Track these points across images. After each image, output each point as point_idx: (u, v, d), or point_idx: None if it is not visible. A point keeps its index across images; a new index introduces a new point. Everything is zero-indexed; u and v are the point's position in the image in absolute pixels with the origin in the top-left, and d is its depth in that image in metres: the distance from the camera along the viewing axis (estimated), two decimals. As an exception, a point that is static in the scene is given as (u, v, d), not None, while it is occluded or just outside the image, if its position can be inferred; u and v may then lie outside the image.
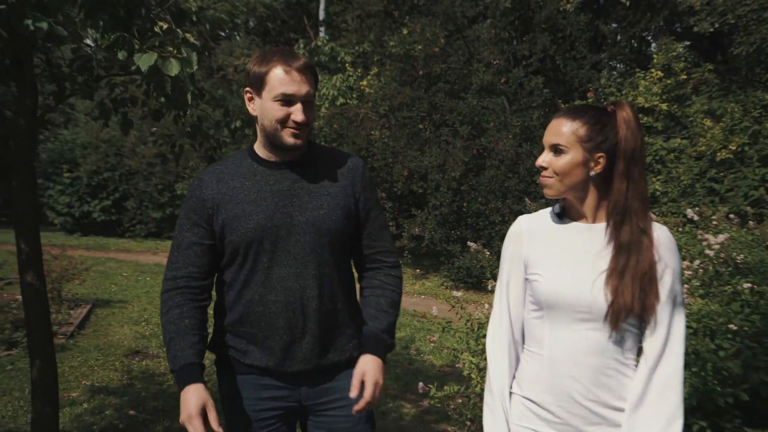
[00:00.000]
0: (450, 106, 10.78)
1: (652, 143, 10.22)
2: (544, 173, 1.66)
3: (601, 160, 1.60)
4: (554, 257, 1.67)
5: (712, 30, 10.41)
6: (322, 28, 15.75)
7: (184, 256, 1.84)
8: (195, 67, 2.16)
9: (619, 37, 14.14)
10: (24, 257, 2.97)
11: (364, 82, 12.21)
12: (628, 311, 1.55)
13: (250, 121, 3.45)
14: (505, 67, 11.21)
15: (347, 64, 12.57)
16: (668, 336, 1.58)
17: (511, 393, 1.74)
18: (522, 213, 9.80)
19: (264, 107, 1.78)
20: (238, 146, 12.56)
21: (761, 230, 4.06)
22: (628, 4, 12.93)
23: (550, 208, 1.77)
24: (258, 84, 1.78)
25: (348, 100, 11.88)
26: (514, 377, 1.75)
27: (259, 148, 1.88)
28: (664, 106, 10.65)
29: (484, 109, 10.62)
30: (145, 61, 2.05)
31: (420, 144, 10.82)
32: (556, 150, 1.62)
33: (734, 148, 8.88)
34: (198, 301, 1.84)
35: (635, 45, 15.62)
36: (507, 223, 9.51)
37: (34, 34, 2.04)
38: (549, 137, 1.65)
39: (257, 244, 1.79)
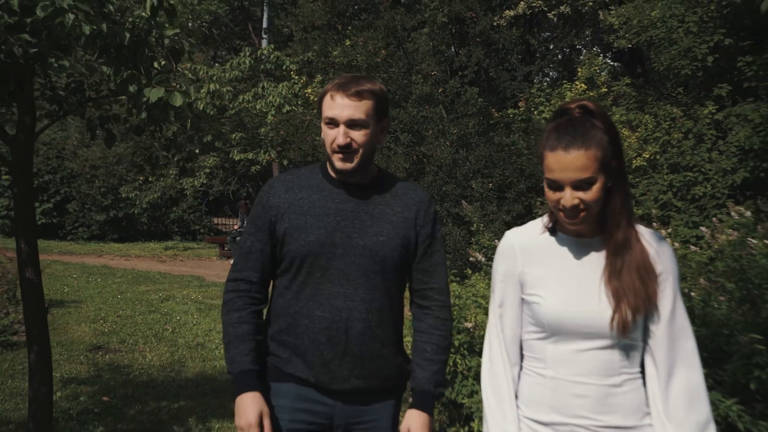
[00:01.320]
0: (391, 114, 11.40)
1: (576, 150, 11.10)
2: (572, 212, 1.53)
3: (613, 167, 1.54)
4: (554, 277, 1.60)
5: (630, 46, 11.38)
6: (265, 37, 16.14)
7: (246, 260, 1.90)
8: (192, 98, 2.66)
9: (550, 48, 15.08)
10: (24, 255, 3.40)
11: (309, 90, 12.72)
12: (634, 310, 1.51)
13: (220, 135, 3.94)
14: (442, 78, 11.91)
15: (292, 72, 13.06)
16: (677, 342, 1.55)
17: None
18: (460, 216, 10.51)
19: (322, 130, 1.85)
20: (207, 157, 12.90)
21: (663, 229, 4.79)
22: (555, 19, 13.84)
23: (538, 221, 1.71)
24: (319, 109, 1.85)
25: (294, 107, 12.36)
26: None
27: (329, 166, 1.91)
28: (587, 116, 11.54)
29: (424, 117, 11.29)
30: (154, 94, 2.54)
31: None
32: (586, 183, 1.50)
33: (647, 156, 9.79)
34: (256, 305, 1.90)
35: (564, 57, 16.62)
36: (444, 225, 10.18)
37: (57, 69, 2.51)
38: (571, 174, 1.50)
39: (313, 258, 1.83)
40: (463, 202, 9.54)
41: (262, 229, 1.88)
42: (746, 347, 2.72)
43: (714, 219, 6.18)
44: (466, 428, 3.63)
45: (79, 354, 6.03)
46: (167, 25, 2.68)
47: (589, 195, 1.50)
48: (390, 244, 1.84)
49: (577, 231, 1.60)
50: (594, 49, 15.33)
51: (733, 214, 4.50)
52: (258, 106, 12.08)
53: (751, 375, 2.66)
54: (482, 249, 6.04)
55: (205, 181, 15.19)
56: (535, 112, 12.30)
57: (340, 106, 1.77)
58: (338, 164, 1.81)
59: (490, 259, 5.53)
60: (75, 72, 2.53)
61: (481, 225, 7.53)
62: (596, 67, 11.68)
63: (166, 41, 2.74)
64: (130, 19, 2.58)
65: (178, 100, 2.59)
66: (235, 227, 13.98)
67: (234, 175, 16.50)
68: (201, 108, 2.94)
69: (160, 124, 3.54)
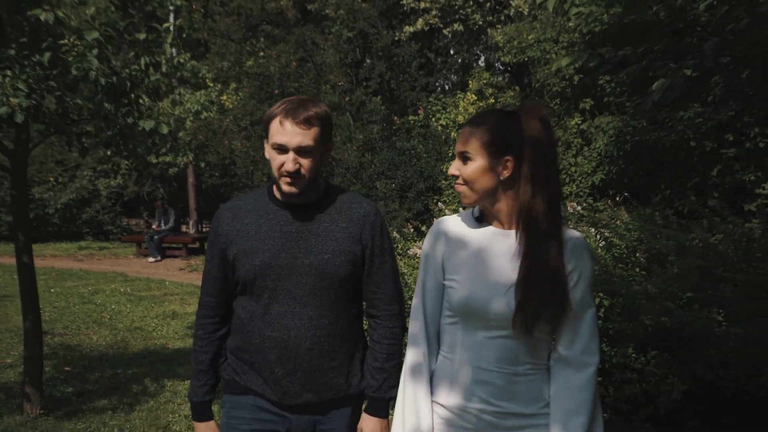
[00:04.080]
0: (302, 121, 12.48)
1: (467, 155, 12.56)
2: (457, 182, 1.65)
3: (508, 164, 1.59)
4: (469, 264, 1.65)
5: (514, 61, 12.97)
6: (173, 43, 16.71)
7: (206, 286, 2.02)
8: (172, 126, 3.69)
9: (447, 60, 16.59)
10: (21, 244, 4.31)
11: (224, 97, 13.59)
12: (536, 318, 1.54)
13: (178, 146, 4.92)
14: (349, 88, 13.10)
15: (207, 80, 13.87)
16: (579, 342, 1.60)
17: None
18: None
19: (269, 154, 1.89)
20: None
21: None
22: (450, 36, 15.33)
23: (469, 211, 1.75)
24: (266, 131, 1.88)
25: (210, 114, 13.19)
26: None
27: (275, 189, 1.96)
28: (477, 124, 13.05)
29: (333, 124, 12.45)
30: (147, 124, 3.56)
31: (277, 154, 12.45)
32: (464, 158, 1.61)
33: (526, 160, 11.36)
34: (217, 331, 2.03)
35: (462, 65, 18.21)
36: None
37: (72, 107, 3.50)
38: (457, 146, 1.63)
39: (260, 280, 1.88)
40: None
41: (215, 256, 1.97)
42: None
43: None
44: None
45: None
46: (153, 72, 3.71)
47: (467, 170, 1.62)
48: (335, 261, 1.88)
49: (494, 219, 1.68)
50: (482, 61, 16.99)
51: (569, 209, 5.92)
52: (177, 112, 12.84)
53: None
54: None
55: (120, 182, 15.67)
56: (433, 119, 13.70)
57: (289, 133, 1.80)
58: (285, 188, 1.86)
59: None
60: (84, 108, 3.52)
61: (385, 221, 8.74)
62: (484, 81, 13.21)
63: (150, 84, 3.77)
64: (126, 71, 3.59)
65: (164, 129, 3.63)
66: (153, 227, 14.58)
67: (148, 176, 17.01)
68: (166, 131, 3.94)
69: (126, 139, 4.53)
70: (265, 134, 1.90)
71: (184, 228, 17.21)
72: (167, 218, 14.34)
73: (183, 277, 11.82)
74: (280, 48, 12.49)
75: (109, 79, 3.33)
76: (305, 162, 1.83)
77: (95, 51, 3.31)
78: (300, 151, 1.81)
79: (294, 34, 12.62)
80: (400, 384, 1.75)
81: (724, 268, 4.65)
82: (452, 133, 13.01)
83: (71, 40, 3.23)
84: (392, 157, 12.12)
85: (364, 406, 2.01)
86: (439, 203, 10.39)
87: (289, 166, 1.81)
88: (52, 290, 9.72)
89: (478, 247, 1.65)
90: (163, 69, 3.74)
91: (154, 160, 13.27)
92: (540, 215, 1.56)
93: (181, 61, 4.46)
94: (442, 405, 1.69)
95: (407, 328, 1.91)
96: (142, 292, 9.77)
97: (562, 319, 1.59)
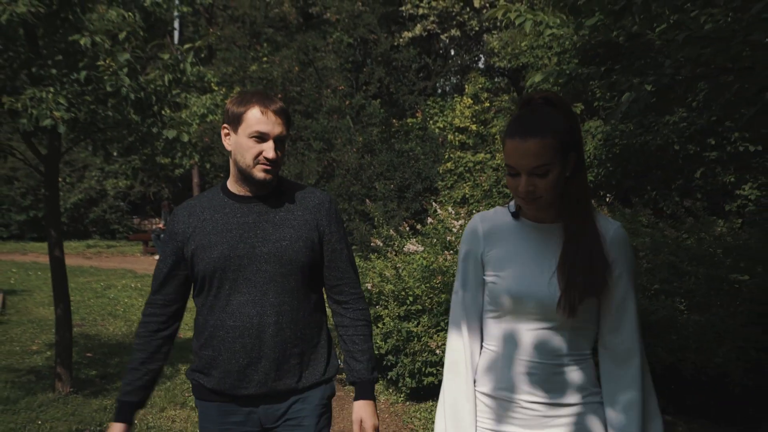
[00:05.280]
0: (305, 124, 12.97)
1: (463, 156, 13.04)
2: (530, 198, 1.58)
3: (572, 161, 1.58)
4: (509, 258, 1.66)
5: (509, 66, 13.46)
6: (179, 48, 17.25)
7: (155, 284, 2.00)
8: (192, 135, 4.17)
9: (447, 63, 17.07)
10: (53, 240, 4.79)
11: (229, 101, 14.09)
12: (580, 301, 1.56)
13: (191, 151, 5.41)
14: (349, 93, 13.59)
15: (212, 84, 14.36)
16: (623, 331, 1.62)
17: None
18: (365, 212, 12.21)
19: (239, 143, 1.89)
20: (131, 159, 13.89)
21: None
22: (447, 41, 15.81)
23: (505, 206, 1.76)
24: (235, 122, 1.88)
25: (215, 117, 13.67)
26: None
27: (231, 183, 1.99)
28: (473, 127, 13.52)
29: (333, 127, 12.93)
30: (171, 133, 4.05)
31: (279, 156, 12.96)
32: (541, 172, 1.55)
33: (520, 161, 11.84)
34: (159, 331, 2.00)
35: (461, 68, 18.71)
36: (351, 221, 11.87)
37: (104, 118, 3.99)
38: (525, 161, 1.54)
39: (221, 272, 1.90)
40: (368, 200, 11.24)
41: (170, 254, 1.97)
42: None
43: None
44: (385, 375, 5.11)
45: (50, 328, 7.26)
46: (175, 87, 4.21)
47: (544, 182, 1.55)
48: (294, 247, 1.92)
49: (538, 216, 1.66)
50: (483, 63, 17.48)
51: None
52: (183, 116, 13.33)
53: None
54: (382, 237, 7.75)
55: (129, 183, 16.18)
56: (430, 122, 14.19)
57: (272, 122, 1.86)
58: (261, 175, 1.89)
59: (388, 245, 7.28)
60: (112, 119, 4.01)
61: (383, 220, 9.25)
62: (480, 86, 13.69)
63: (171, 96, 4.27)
64: (152, 86, 4.07)
65: (185, 137, 4.12)
66: (159, 225, 15.07)
67: (154, 177, 17.51)
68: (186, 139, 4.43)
69: (145, 145, 5.02)
70: (231, 126, 1.90)
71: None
72: (173, 217, 14.81)
73: (189, 273, 12.30)
74: (283, 54, 12.97)
75: (138, 94, 3.82)
76: (281, 150, 1.92)
77: (125, 70, 3.80)
78: (277, 140, 1.89)
79: (297, 41, 13.10)
80: (443, 379, 1.78)
81: (689, 263, 5.12)
82: (449, 136, 13.49)
83: (107, 61, 3.72)
84: (391, 159, 12.59)
85: (354, 393, 2.03)
86: (434, 203, 10.88)
87: (270, 154, 1.86)
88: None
89: (517, 241, 1.67)
90: (188, 80, 4.23)
91: (165, 161, 13.81)
92: (583, 202, 1.60)
93: (196, 73, 4.96)
94: (487, 395, 1.70)
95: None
96: (152, 287, 10.26)
97: (603, 304, 1.62)
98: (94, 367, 5.73)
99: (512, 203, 1.72)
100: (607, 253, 1.60)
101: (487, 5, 14.91)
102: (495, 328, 1.69)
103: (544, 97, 1.60)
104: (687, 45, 3.16)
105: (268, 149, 1.86)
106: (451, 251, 5.56)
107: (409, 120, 14.38)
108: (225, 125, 1.93)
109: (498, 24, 15.10)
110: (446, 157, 12.64)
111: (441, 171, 12.52)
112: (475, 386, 1.72)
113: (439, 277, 5.00)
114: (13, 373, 5.49)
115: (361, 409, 1.98)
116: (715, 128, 9.40)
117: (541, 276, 1.60)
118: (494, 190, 12.22)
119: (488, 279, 1.69)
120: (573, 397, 1.63)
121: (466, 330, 1.74)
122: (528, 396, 1.63)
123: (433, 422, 3.06)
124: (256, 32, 14.26)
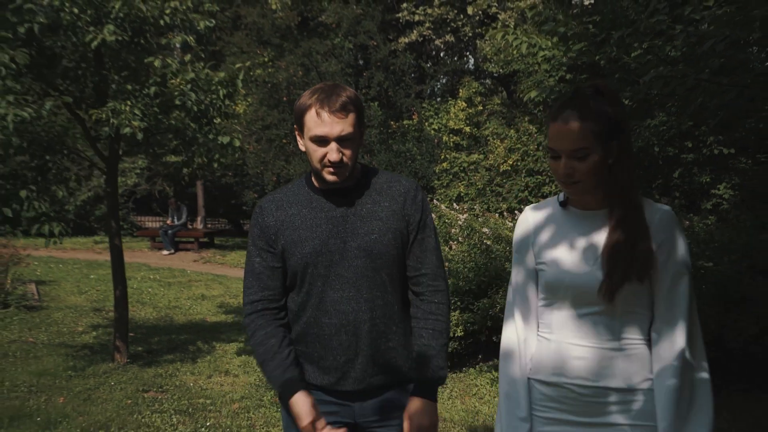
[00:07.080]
0: (308, 126, 13.73)
1: (458, 157, 13.83)
2: (570, 182, 1.61)
3: (615, 148, 1.60)
4: (558, 245, 1.70)
5: (501, 71, 14.27)
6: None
7: (257, 280, 1.93)
8: (241, 140, 4.92)
9: (442, 66, 17.85)
10: (113, 231, 5.52)
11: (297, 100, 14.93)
12: (622, 278, 1.57)
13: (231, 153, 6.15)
14: (350, 96, 14.35)
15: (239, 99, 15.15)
16: (674, 317, 1.60)
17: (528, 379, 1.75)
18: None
19: (306, 146, 1.85)
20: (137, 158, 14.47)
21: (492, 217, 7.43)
22: (443, 46, 16.61)
23: (554, 197, 1.79)
24: (299, 124, 1.84)
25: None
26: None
27: (313, 178, 1.95)
28: (467, 129, 14.32)
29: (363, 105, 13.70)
30: (224, 139, 4.80)
31: (285, 156, 13.68)
32: (580, 155, 1.57)
33: (511, 162, 12.64)
34: (279, 320, 1.94)
35: (455, 69, 19.50)
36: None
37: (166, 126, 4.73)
38: (566, 143, 1.58)
39: (312, 268, 1.87)
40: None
41: (264, 248, 1.92)
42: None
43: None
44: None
45: (87, 313, 7.99)
46: (228, 102, 4.97)
47: (583, 166, 1.57)
48: (383, 240, 1.88)
49: (584, 204, 1.68)
50: (473, 64, 18.27)
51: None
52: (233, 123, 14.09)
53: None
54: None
55: (136, 181, 16.81)
56: (426, 124, 14.96)
57: (329, 123, 1.77)
58: (329, 177, 1.84)
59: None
60: (172, 127, 4.76)
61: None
62: (473, 90, 14.49)
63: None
64: (208, 99, 4.82)
65: (236, 143, 4.88)
66: (168, 222, 15.75)
67: (159, 175, 18.15)
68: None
69: (188, 148, 5.76)
70: (298, 127, 1.86)
71: (189, 225, 18.34)
72: (179, 214, 15.51)
73: (199, 267, 13.00)
74: (288, 60, 13.71)
75: (200, 106, 4.55)
76: (347, 151, 1.81)
77: (189, 86, 4.54)
78: (341, 140, 1.79)
79: (301, 47, 13.84)
80: (499, 367, 1.80)
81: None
82: (444, 137, 14.26)
83: (177, 80, 4.45)
84: (389, 159, 13.34)
85: (412, 388, 1.91)
86: (435, 201, 11.63)
87: (334, 156, 1.78)
88: (91, 276, 10.90)
89: (564, 229, 1.70)
90: (240, 92, 4.97)
91: (172, 159, 14.55)
92: (630, 189, 1.60)
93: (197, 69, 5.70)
94: (541, 382, 1.72)
95: (450, 306, 1.98)
96: (169, 279, 10.97)
97: (654, 289, 1.62)
98: (138, 344, 6.47)
99: (562, 193, 1.76)
100: (653, 238, 1.61)
101: (480, 12, 15.72)
102: (547, 316, 1.73)
103: (593, 85, 1.63)
104: (655, 66, 3.95)
105: (331, 152, 1.79)
106: (455, 241, 6.35)
107: (405, 122, 15.13)
108: (295, 126, 1.90)
109: (491, 30, 15.86)
110: (442, 157, 13.43)
111: (437, 171, 13.30)
112: (530, 374, 1.75)
113: (446, 264, 5.79)
114: (71, 349, 6.21)
115: (413, 405, 1.86)
116: (692, 132, 10.26)
117: (586, 263, 1.64)
118: (488, 189, 13.03)
119: (539, 267, 1.74)
120: (628, 383, 1.63)
121: (520, 318, 1.78)
122: (581, 381, 1.65)
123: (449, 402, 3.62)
124: (263, 40, 15.00)
